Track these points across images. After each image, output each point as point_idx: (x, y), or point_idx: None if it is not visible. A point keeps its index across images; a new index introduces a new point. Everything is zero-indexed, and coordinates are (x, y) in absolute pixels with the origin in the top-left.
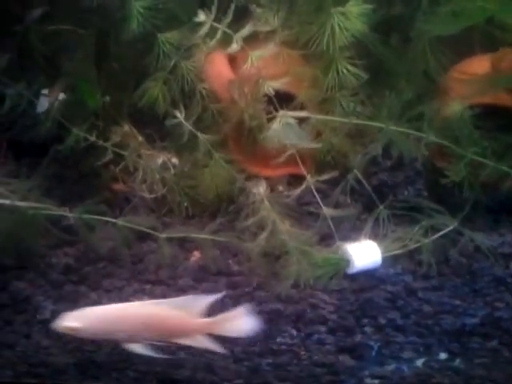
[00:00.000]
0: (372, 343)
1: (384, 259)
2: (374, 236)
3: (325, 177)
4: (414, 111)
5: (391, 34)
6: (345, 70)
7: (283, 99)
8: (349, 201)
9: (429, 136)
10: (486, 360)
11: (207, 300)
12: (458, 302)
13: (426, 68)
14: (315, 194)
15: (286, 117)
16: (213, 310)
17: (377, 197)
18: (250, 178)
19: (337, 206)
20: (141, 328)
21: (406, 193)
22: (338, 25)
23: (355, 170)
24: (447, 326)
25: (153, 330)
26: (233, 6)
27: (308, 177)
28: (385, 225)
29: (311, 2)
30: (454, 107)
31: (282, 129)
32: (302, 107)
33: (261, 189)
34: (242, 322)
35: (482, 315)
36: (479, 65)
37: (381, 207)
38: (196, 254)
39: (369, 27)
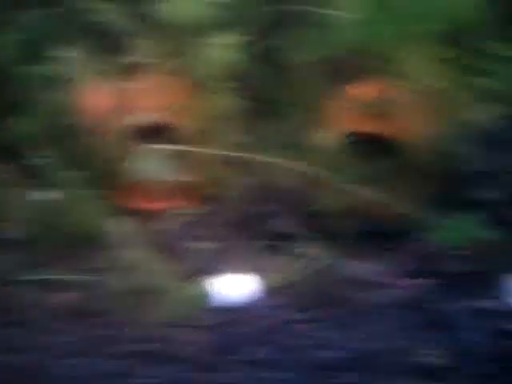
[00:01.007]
0: (235, 381)
1: (260, 292)
2: (250, 268)
3: (200, 210)
4: (293, 141)
5: (272, 65)
6: (225, 101)
7: (161, 131)
8: (224, 233)
9: (303, 165)
10: None
11: None
12: (330, 334)
13: (307, 97)
14: (191, 227)
15: (150, 150)
16: None
17: (254, 228)
18: (127, 212)
19: (211, 238)
20: None
21: (283, 223)
22: (213, 55)
23: (231, 202)
24: (316, 360)
25: None
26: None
27: (187, 210)
28: (261, 256)
29: (187, 33)
30: (327, 135)
31: (144, 162)
32: (182, 138)
33: (125, 225)
34: None
35: (349, 348)
36: (357, 92)
37: (255, 239)
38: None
39: (249, 58)
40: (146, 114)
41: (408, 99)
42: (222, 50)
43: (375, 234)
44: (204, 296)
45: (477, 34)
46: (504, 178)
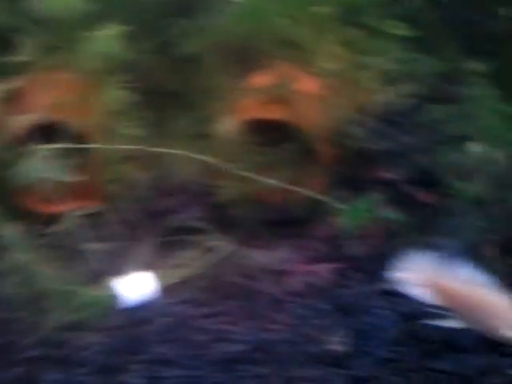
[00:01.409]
0: (137, 381)
1: (161, 289)
2: (152, 265)
3: (101, 209)
4: (194, 131)
5: (168, 55)
6: (118, 94)
7: (54, 130)
8: (125, 231)
9: (205, 156)
10: None
11: None
12: (232, 328)
13: (207, 86)
14: (91, 227)
15: (43, 150)
16: None
17: (156, 224)
18: (24, 216)
19: (112, 238)
20: None
21: (185, 216)
22: (98, 48)
23: (132, 198)
24: (218, 355)
25: None
26: None
27: (86, 210)
28: (163, 252)
29: (70, 27)
30: (228, 124)
31: (38, 162)
32: (79, 136)
33: (21, 229)
34: None
35: (254, 339)
36: (259, 80)
37: (157, 235)
38: None
39: (142, 49)
40: (37, 114)
41: (310, 84)
42: (107, 42)
43: (280, 222)
44: (106, 297)
45: (373, 14)
46: (407, 157)
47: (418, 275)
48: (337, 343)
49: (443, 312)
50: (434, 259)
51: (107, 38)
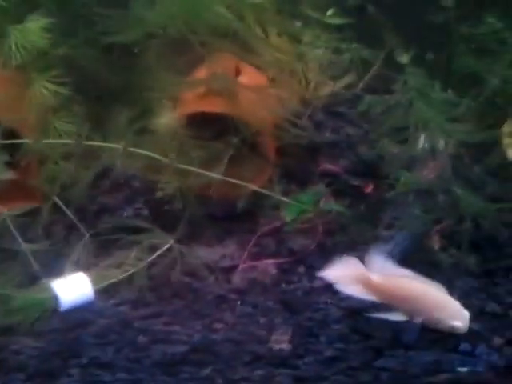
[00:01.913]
0: None
1: (100, 290)
2: (90, 266)
3: (36, 208)
4: (134, 126)
5: (103, 48)
6: (44, 90)
7: None
8: (62, 231)
9: (146, 151)
10: None
11: None
12: (174, 328)
13: (148, 80)
14: (26, 228)
15: None
16: None
17: (96, 222)
18: None
19: (46, 238)
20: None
21: (125, 214)
22: (17, 42)
23: (54, 198)
24: (160, 357)
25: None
26: None
27: (21, 209)
28: (102, 252)
29: None
30: (166, 118)
31: None
32: (12, 133)
33: None
34: None
35: (196, 340)
36: (199, 72)
37: (95, 234)
38: None
39: (73, 42)
40: None
41: (251, 76)
42: (34, 34)
43: (223, 217)
44: (42, 300)
45: (310, 4)
46: (351, 149)
47: (346, 273)
48: (282, 342)
49: (386, 307)
50: (371, 254)
51: (34, 31)
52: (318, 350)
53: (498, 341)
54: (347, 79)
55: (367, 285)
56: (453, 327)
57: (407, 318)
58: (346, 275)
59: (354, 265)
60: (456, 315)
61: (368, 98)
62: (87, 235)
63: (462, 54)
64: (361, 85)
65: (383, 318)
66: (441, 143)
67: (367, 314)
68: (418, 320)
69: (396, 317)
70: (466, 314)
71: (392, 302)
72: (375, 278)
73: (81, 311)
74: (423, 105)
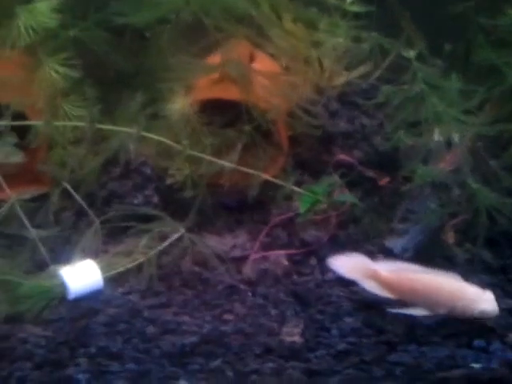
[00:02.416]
0: (81, 376)
1: (109, 278)
2: (98, 253)
3: (46, 193)
4: (147, 111)
5: (116, 32)
6: (54, 73)
7: None
8: (72, 217)
9: (158, 137)
10: (209, 382)
11: None
12: (185, 319)
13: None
14: (36, 213)
15: None
16: None
17: (106, 208)
18: None
19: (56, 225)
20: None
21: (135, 201)
22: (26, 23)
23: (64, 183)
24: (169, 348)
25: None
26: None
27: (31, 194)
28: (112, 240)
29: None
30: (179, 104)
31: None
32: (22, 116)
33: None
34: None
35: (206, 331)
36: (213, 58)
37: (106, 221)
38: None
39: (84, 25)
40: None
41: (266, 63)
42: (44, 15)
43: (235, 206)
44: (50, 287)
45: None
46: (366, 140)
47: (354, 266)
48: (293, 334)
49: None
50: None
51: (44, 12)
52: (330, 343)
53: None
54: (363, 68)
55: (378, 280)
56: (482, 312)
57: (430, 313)
58: (353, 268)
59: (362, 260)
60: (481, 299)
61: (386, 88)
62: (97, 222)
63: (481, 46)
64: (377, 74)
65: (406, 313)
66: (456, 136)
67: (390, 310)
68: (443, 312)
69: (418, 312)
70: (491, 295)
71: (409, 299)
72: (385, 273)
73: (89, 299)
74: (434, 97)
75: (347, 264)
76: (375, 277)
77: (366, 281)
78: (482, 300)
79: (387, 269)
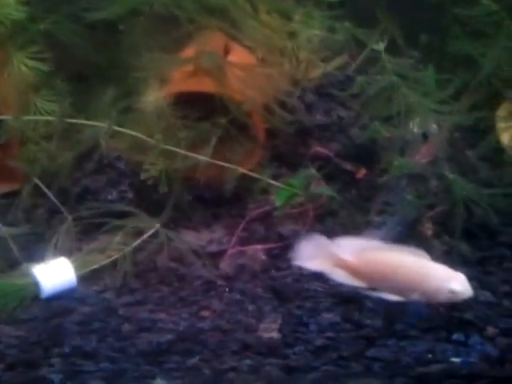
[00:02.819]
0: (54, 376)
1: (83, 276)
2: (71, 251)
3: (17, 190)
4: (119, 105)
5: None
6: (24, 67)
7: None
8: (44, 214)
9: (129, 130)
10: (186, 381)
11: None
12: (161, 316)
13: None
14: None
15: None
16: None
17: (79, 205)
18: None
19: (27, 222)
20: None
21: (109, 197)
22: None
23: (35, 179)
24: (145, 346)
25: None
26: None
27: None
28: (85, 237)
29: None
30: (153, 97)
31: None
32: None
33: None
34: None
35: (183, 328)
36: (187, 51)
37: (71, 217)
38: None
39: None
40: None
41: (241, 55)
42: (8, 7)
43: (211, 201)
44: (22, 286)
45: None
46: (342, 132)
47: (316, 254)
48: (271, 330)
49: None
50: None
51: (9, 3)
52: (308, 339)
53: (491, 331)
54: (339, 60)
55: (345, 269)
56: (453, 292)
57: (403, 298)
58: (319, 260)
59: (323, 247)
60: (451, 279)
61: (360, 79)
62: (70, 219)
63: (457, 36)
64: (353, 66)
65: (382, 297)
66: (433, 127)
67: (361, 292)
68: (415, 297)
69: (390, 297)
70: (462, 276)
71: (379, 285)
72: (352, 260)
73: (63, 298)
74: (405, 88)
75: (311, 256)
76: (342, 266)
77: (334, 271)
78: (453, 280)
79: (351, 251)
